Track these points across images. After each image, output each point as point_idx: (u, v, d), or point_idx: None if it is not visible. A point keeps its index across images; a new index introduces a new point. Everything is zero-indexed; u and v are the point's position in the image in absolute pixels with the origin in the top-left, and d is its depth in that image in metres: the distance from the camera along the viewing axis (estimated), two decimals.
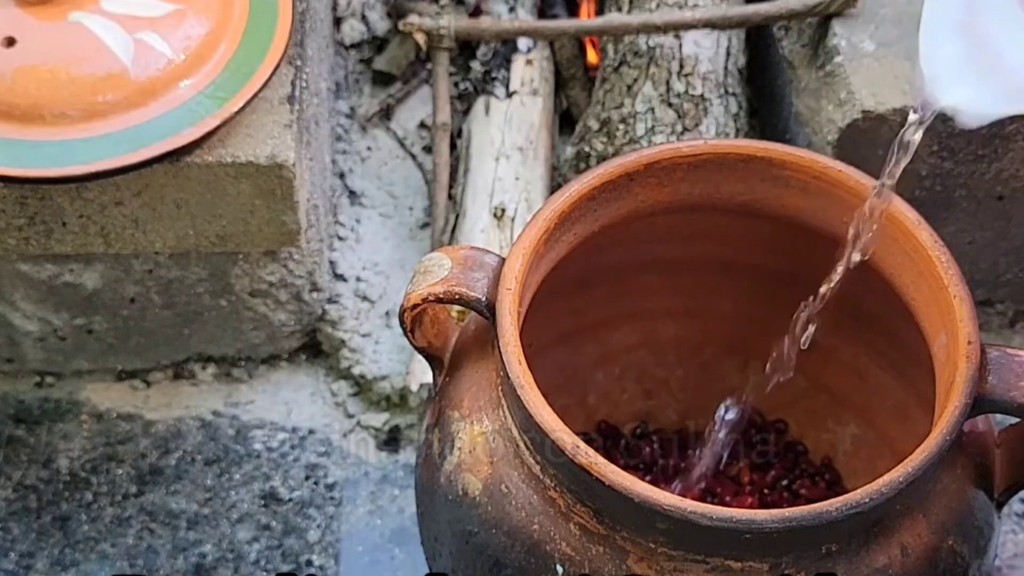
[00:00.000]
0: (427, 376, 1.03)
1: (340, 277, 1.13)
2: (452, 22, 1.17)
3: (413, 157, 1.23)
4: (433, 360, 0.87)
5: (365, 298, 1.13)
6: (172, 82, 0.95)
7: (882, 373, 0.95)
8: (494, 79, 1.22)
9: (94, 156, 0.93)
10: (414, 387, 1.07)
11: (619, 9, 1.21)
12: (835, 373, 0.98)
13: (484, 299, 0.79)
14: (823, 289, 0.85)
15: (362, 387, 1.10)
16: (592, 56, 1.25)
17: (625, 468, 0.81)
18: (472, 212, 1.12)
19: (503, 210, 1.12)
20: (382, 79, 1.28)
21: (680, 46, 1.16)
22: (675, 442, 1.02)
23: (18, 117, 0.93)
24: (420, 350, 0.86)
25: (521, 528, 0.76)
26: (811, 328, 0.86)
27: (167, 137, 0.94)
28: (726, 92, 1.15)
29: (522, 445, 0.76)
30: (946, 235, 0.83)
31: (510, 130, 1.18)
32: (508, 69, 1.22)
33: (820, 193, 0.84)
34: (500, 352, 0.76)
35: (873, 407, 0.98)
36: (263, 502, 1.04)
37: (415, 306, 0.81)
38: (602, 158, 1.13)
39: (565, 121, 1.26)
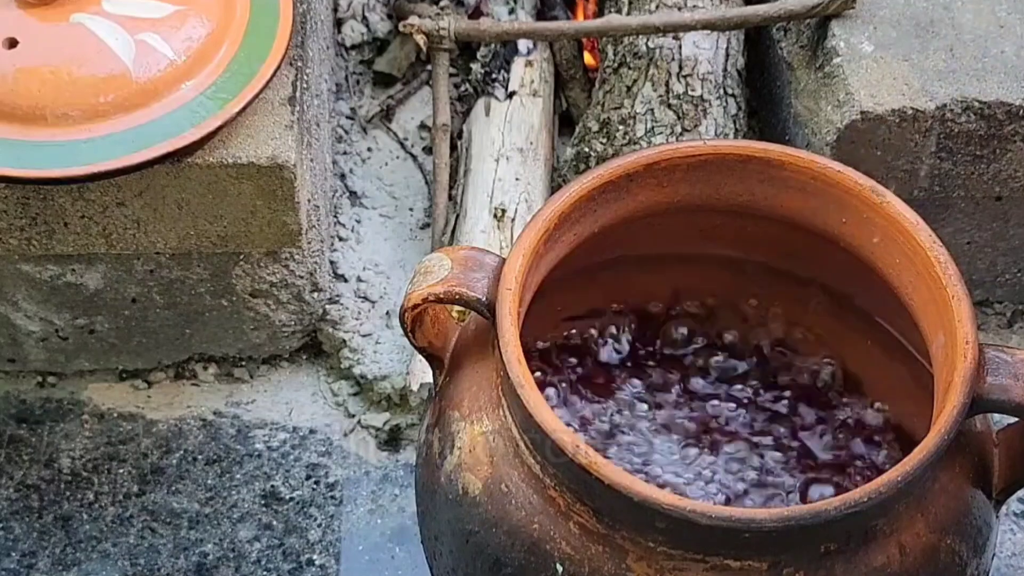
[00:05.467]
0: (427, 376, 1.04)
1: (341, 277, 1.14)
2: (452, 24, 1.18)
3: (414, 158, 1.24)
4: (433, 360, 0.87)
5: (366, 298, 1.13)
6: (173, 83, 0.96)
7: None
8: (494, 80, 1.22)
9: (96, 157, 0.93)
10: (414, 387, 1.07)
11: (618, 10, 1.21)
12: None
13: (484, 299, 0.79)
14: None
15: (363, 387, 1.10)
16: (589, 58, 1.26)
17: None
18: (472, 213, 1.12)
19: (503, 211, 1.12)
20: (383, 80, 1.28)
21: (679, 47, 1.16)
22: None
23: (20, 118, 0.93)
24: (420, 350, 0.86)
25: (521, 527, 0.76)
26: None
27: (169, 138, 0.94)
28: (725, 93, 1.16)
29: (522, 445, 0.77)
30: (944, 235, 0.83)
31: (510, 131, 1.18)
32: (508, 70, 1.22)
33: (819, 193, 0.85)
34: (500, 352, 0.76)
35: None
36: (264, 501, 1.04)
37: (415, 306, 0.81)
38: (602, 159, 1.13)
39: (565, 122, 1.26)
